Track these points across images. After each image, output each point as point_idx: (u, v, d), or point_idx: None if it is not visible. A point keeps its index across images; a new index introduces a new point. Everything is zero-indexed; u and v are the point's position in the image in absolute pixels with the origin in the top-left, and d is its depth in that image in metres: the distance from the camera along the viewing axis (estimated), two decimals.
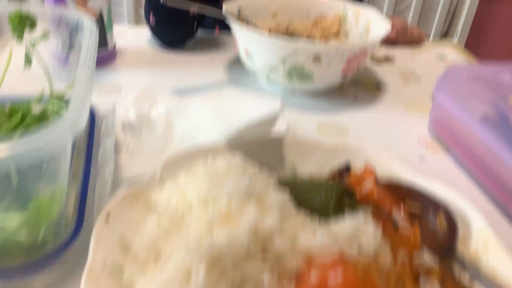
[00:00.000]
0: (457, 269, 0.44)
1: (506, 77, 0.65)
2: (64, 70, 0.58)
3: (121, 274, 0.38)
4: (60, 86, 0.55)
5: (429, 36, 2.18)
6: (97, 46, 0.50)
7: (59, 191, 0.43)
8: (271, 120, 0.52)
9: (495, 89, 0.64)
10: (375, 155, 0.53)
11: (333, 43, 0.82)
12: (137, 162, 0.55)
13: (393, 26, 0.99)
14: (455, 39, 2.16)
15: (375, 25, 0.80)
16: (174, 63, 0.84)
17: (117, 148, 0.59)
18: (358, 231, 0.41)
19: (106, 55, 0.79)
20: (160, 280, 0.35)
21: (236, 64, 0.80)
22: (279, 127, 0.54)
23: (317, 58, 0.68)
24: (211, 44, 0.93)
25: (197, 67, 0.83)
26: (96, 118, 0.60)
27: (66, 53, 0.58)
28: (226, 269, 0.37)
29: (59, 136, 0.37)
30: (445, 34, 2.22)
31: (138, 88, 0.72)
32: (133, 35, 0.93)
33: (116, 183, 0.52)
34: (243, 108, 0.51)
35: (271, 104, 0.54)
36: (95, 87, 0.73)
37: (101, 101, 0.66)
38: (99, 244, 0.38)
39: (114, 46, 0.81)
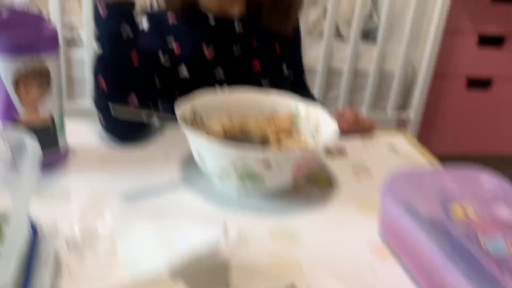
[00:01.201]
0: None
1: (449, 185, 0.68)
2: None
3: None
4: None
5: (386, 110, 2.28)
6: (37, 173, 0.49)
7: None
8: (214, 248, 0.52)
9: (439, 196, 0.66)
10: (320, 279, 0.53)
11: (283, 148, 0.84)
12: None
13: (345, 118, 1.03)
14: (411, 112, 2.27)
15: (324, 124, 0.83)
16: (127, 162, 0.83)
17: (58, 271, 0.57)
18: None
19: (56, 158, 0.77)
20: None
21: (192, 161, 0.80)
22: (225, 249, 0.53)
23: (267, 164, 0.69)
24: (166, 137, 0.94)
25: (151, 165, 0.83)
26: (38, 238, 0.58)
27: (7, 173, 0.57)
28: None
29: None
30: (402, 107, 2.33)
31: (87, 194, 0.71)
32: (87, 131, 0.93)
33: None
34: (187, 236, 0.51)
35: (215, 228, 0.54)
36: (42, 194, 0.71)
37: (47, 211, 0.64)
38: None
39: (66, 148, 0.80)
